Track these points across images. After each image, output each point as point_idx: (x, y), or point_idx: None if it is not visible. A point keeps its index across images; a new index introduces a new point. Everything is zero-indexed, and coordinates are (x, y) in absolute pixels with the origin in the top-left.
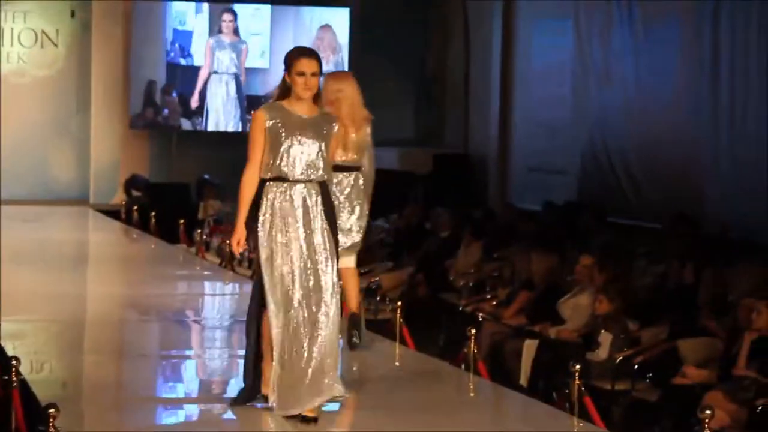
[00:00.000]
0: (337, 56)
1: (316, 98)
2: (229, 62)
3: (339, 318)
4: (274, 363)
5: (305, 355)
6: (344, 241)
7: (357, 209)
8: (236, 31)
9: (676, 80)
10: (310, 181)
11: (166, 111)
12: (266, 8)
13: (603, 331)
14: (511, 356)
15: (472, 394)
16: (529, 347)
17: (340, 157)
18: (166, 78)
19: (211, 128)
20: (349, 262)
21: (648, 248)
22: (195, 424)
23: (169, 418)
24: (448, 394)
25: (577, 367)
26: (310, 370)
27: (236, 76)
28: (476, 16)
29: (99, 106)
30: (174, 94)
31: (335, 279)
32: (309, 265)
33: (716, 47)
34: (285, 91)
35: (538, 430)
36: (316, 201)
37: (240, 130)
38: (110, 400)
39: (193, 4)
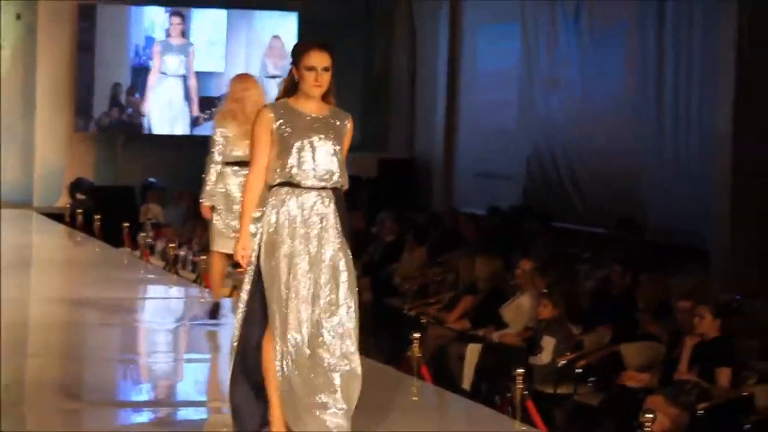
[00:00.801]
0: (285, 62)
1: (327, 95)
2: (177, 65)
3: (357, 342)
4: (273, 396)
5: (311, 388)
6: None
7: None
8: (184, 34)
9: (622, 86)
10: (324, 188)
11: (130, 110)
12: (222, 15)
13: (546, 335)
14: (455, 360)
15: (415, 398)
16: (473, 351)
17: (244, 151)
18: (131, 81)
19: (156, 131)
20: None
21: (592, 253)
22: (139, 427)
23: (114, 421)
24: (392, 398)
25: (520, 371)
26: (315, 409)
27: (184, 78)
28: (422, 20)
29: (44, 109)
30: (137, 95)
31: (352, 299)
32: (320, 284)
33: (661, 53)
34: (292, 87)
35: None
36: (330, 210)
37: (188, 132)
38: (53, 403)
39: (163, 12)
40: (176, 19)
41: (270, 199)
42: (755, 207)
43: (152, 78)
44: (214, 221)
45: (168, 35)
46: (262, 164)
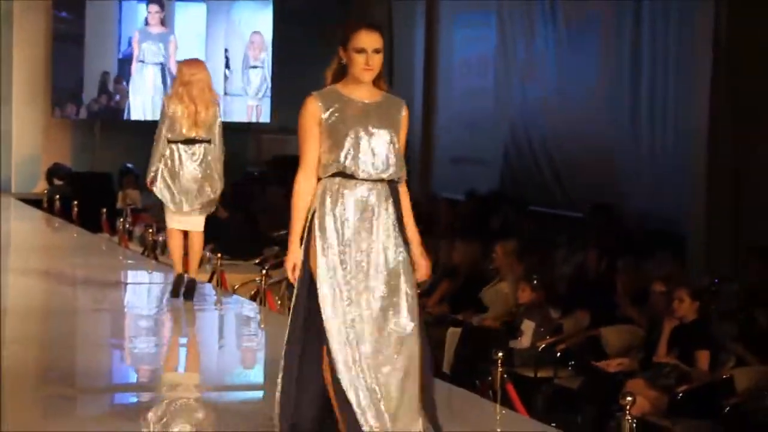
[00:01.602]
0: (265, 54)
1: (378, 80)
2: (155, 52)
3: (423, 352)
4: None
5: (379, 402)
6: (198, 204)
7: (210, 177)
8: (163, 22)
9: (598, 74)
10: (381, 180)
11: (117, 97)
12: (202, 8)
13: (526, 319)
14: (435, 344)
15: None
16: (452, 335)
17: (192, 132)
18: (119, 70)
19: (135, 117)
20: (200, 226)
21: (569, 237)
22: (120, 412)
23: (94, 406)
24: None
25: (500, 354)
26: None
27: (162, 66)
28: (400, 8)
29: (21, 96)
30: (125, 83)
31: (413, 304)
32: (377, 289)
33: (637, 42)
34: (340, 71)
35: (461, 417)
36: (386, 206)
37: None
38: (33, 389)
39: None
40: (154, 8)
41: (320, 194)
42: (729, 191)
43: (132, 66)
44: (164, 200)
45: (147, 24)
46: (313, 161)
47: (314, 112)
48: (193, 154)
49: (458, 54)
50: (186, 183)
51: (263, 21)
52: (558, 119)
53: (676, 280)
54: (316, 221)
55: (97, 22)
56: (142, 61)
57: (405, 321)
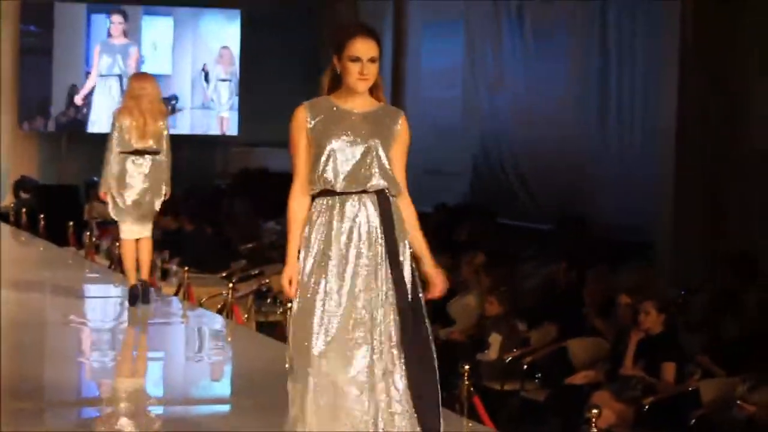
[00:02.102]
0: (234, 67)
1: (374, 89)
2: (112, 64)
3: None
4: None
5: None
6: (146, 217)
7: (158, 186)
8: (126, 34)
9: (566, 84)
10: (365, 191)
11: (85, 110)
12: (169, 20)
13: (493, 332)
14: None
15: None
16: None
17: (140, 144)
18: (85, 82)
19: (97, 130)
20: (147, 231)
21: (537, 249)
22: (85, 426)
23: (60, 420)
24: None
25: (467, 367)
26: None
27: (120, 78)
28: (367, 17)
29: None
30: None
31: (400, 319)
32: (358, 309)
33: (604, 52)
34: (335, 80)
35: None
36: (373, 218)
37: None
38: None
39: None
40: (117, 18)
41: (311, 213)
42: (699, 203)
43: (92, 78)
44: (114, 211)
45: (109, 35)
46: (305, 174)
47: (301, 122)
48: (142, 164)
49: (426, 64)
50: (135, 193)
51: (231, 34)
52: (526, 128)
53: (643, 291)
54: (308, 241)
55: (65, 36)
56: (101, 75)
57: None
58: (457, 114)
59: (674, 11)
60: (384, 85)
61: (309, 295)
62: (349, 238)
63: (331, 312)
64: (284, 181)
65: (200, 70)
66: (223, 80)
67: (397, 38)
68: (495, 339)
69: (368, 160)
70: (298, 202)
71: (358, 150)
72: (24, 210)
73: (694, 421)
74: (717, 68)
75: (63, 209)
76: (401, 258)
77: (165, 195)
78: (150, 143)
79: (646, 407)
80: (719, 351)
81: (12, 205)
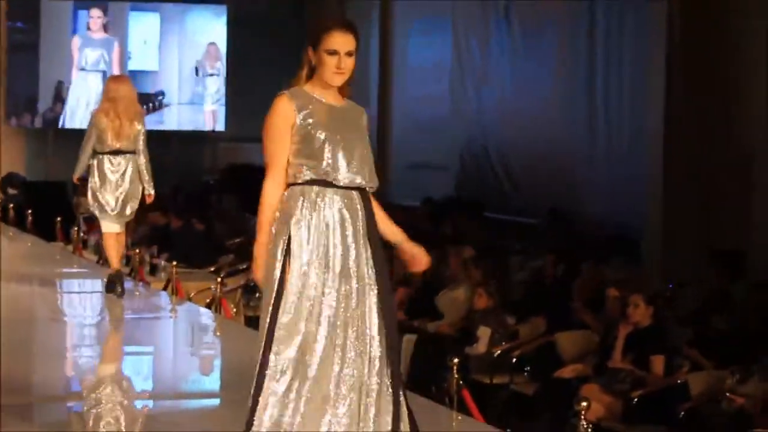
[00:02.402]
0: (220, 63)
1: (344, 84)
2: (98, 59)
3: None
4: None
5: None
6: (126, 213)
7: (134, 184)
8: (105, 28)
9: (553, 80)
10: (356, 188)
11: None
12: (156, 17)
13: (481, 325)
14: None
15: None
16: (408, 342)
17: (116, 144)
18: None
19: (75, 125)
20: (120, 228)
21: (525, 244)
22: (74, 421)
23: (49, 415)
24: None
25: (456, 360)
26: None
27: (105, 74)
28: (354, 14)
29: None
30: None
31: (381, 320)
32: (349, 298)
33: (592, 48)
34: (310, 72)
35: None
36: (361, 215)
37: None
38: None
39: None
40: (96, 12)
41: (293, 201)
42: (687, 200)
43: (73, 73)
44: (94, 206)
45: (88, 29)
46: (283, 165)
47: (287, 113)
48: (119, 164)
49: (413, 60)
50: (112, 190)
51: (217, 30)
52: (513, 125)
53: (631, 285)
54: (292, 231)
55: (51, 32)
56: (83, 69)
57: (375, 349)
58: (445, 110)
59: (661, 11)
60: (371, 82)
61: (303, 289)
62: (341, 233)
63: (323, 306)
64: None
65: (191, 66)
66: (211, 75)
67: (384, 35)
68: (484, 332)
69: (361, 157)
70: (274, 194)
71: (351, 147)
72: (11, 206)
73: (683, 413)
74: (704, 68)
75: (50, 205)
76: (376, 256)
77: (148, 193)
78: (125, 143)
79: (635, 400)
80: (708, 344)
81: (0, 201)
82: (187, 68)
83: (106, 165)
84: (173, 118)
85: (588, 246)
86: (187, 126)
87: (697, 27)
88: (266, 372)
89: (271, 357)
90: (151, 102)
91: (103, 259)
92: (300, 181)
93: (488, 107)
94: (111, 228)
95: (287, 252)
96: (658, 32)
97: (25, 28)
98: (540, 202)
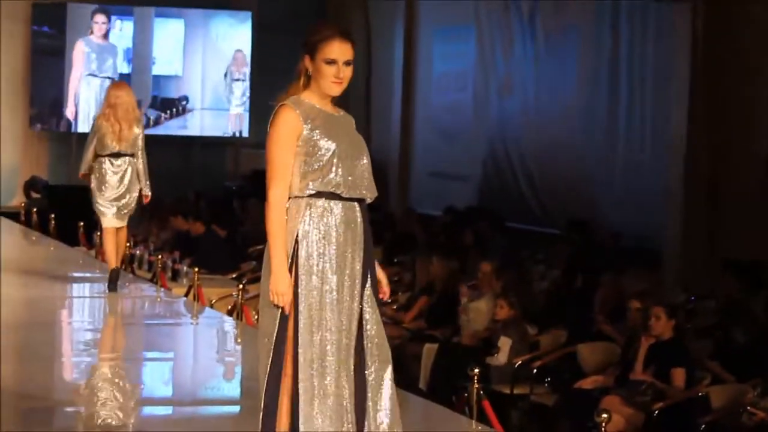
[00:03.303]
0: (246, 69)
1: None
2: (108, 64)
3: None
4: None
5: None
6: (124, 211)
7: (132, 184)
8: (107, 35)
9: (576, 90)
10: (361, 200)
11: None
12: (180, 23)
13: (503, 336)
14: (411, 360)
15: None
16: (429, 351)
17: (117, 147)
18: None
19: (81, 129)
20: (119, 224)
21: (546, 254)
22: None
23: (71, 419)
24: None
25: (476, 370)
26: None
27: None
28: (378, 21)
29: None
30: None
31: (379, 333)
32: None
33: (615, 59)
34: (306, 80)
35: None
36: (364, 226)
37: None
38: (8, 403)
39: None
40: (101, 18)
41: (298, 214)
42: (707, 210)
43: (75, 77)
44: (96, 205)
45: (91, 33)
46: (288, 175)
47: (294, 123)
48: (120, 166)
49: (437, 68)
50: (113, 190)
51: (240, 36)
52: (536, 134)
53: (652, 297)
54: (300, 244)
55: (77, 36)
56: (94, 75)
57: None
58: (468, 118)
59: (686, 19)
60: (395, 90)
61: (312, 298)
62: (347, 245)
63: (333, 313)
64: None
65: (215, 72)
66: (237, 80)
67: (408, 42)
68: (505, 342)
69: (360, 167)
70: (280, 208)
71: (356, 158)
72: (35, 210)
73: (703, 426)
74: (727, 78)
75: (73, 209)
76: (370, 268)
77: (145, 194)
78: (125, 146)
79: (656, 412)
80: (729, 357)
81: (23, 205)
82: (211, 74)
83: (107, 166)
84: (197, 124)
85: (609, 256)
86: (210, 131)
87: (722, 32)
88: (281, 380)
89: (298, 362)
90: (175, 107)
91: (125, 265)
92: (305, 194)
93: (511, 115)
94: (110, 223)
95: (295, 264)
96: (683, 38)
97: (51, 32)
98: (561, 212)
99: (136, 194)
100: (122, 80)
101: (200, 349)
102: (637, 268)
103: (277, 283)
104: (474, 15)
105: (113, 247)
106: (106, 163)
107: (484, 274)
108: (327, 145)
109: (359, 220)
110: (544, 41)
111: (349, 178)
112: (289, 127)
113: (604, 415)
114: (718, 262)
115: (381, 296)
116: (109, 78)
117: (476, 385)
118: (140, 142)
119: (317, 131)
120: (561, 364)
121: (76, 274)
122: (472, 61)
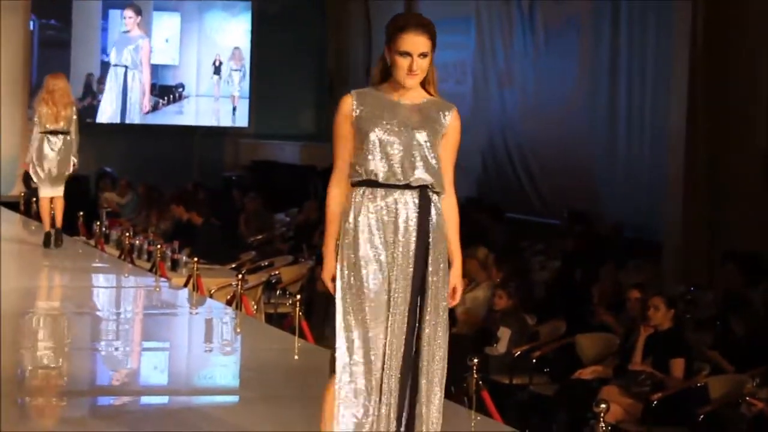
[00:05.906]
0: (244, 62)
1: (426, 84)
2: (127, 56)
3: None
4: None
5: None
6: (58, 177)
7: (67, 157)
8: (140, 26)
9: (575, 81)
10: (409, 186)
11: (100, 97)
12: (177, 16)
13: (502, 326)
14: None
15: None
16: None
17: (54, 125)
18: (101, 72)
19: (105, 120)
20: (61, 191)
21: (545, 244)
22: (96, 416)
23: (73, 409)
24: None
25: (475, 361)
26: None
27: (126, 69)
28: (378, 13)
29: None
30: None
31: (439, 331)
32: (397, 308)
33: (614, 50)
34: (385, 71)
35: None
36: (412, 216)
37: (140, 121)
38: (8, 393)
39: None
40: (128, 12)
41: (347, 202)
42: (707, 202)
43: (108, 69)
44: (35, 177)
45: (125, 28)
46: (344, 164)
47: (347, 110)
48: (56, 142)
49: (436, 59)
50: (50, 162)
51: (235, 29)
52: (535, 125)
53: (652, 287)
54: (343, 233)
55: (82, 29)
56: (116, 65)
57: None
58: (467, 109)
59: (686, 12)
60: None
61: (354, 288)
62: (390, 234)
63: (379, 301)
64: (294, 173)
65: (210, 62)
66: (235, 70)
67: None
68: (504, 333)
69: (414, 153)
70: (334, 194)
71: (404, 142)
72: (34, 200)
73: (702, 417)
74: (726, 70)
75: (73, 199)
76: (431, 260)
77: (74, 165)
78: (61, 125)
79: (655, 403)
80: (728, 347)
81: (22, 194)
82: (206, 63)
83: (45, 143)
84: (195, 114)
85: (609, 247)
86: (206, 119)
87: (721, 27)
88: (336, 367)
89: (338, 353)
90: (171, 93)
91: (125, 254)
92: (354, 181)
93: (510, 107)
94: (46, 193)
95: (340, 255)
96: (682, 31)
97: (57, 25)
98: (561, 203)
99: (69, 166)
100: (58, 72)
101: (199, 339)
102: (638, 259)
103: (323, 271)
104: (474, 7)
105: (48, 214)
106: (44, 141)
107: (480, 261)
108: (369, 131)
109: (407, 209)
110: (544, 33)
111: (390, 163)
112: (342, 114)
113: (603, 405)
114: (718, 253)
115: (449, 300)
116: (131, 68)
117: (475, 376)
118: (75, 122)
119: (364, 116)
120: (560, 355)
121: (75, 264)
122: (472, 53)
